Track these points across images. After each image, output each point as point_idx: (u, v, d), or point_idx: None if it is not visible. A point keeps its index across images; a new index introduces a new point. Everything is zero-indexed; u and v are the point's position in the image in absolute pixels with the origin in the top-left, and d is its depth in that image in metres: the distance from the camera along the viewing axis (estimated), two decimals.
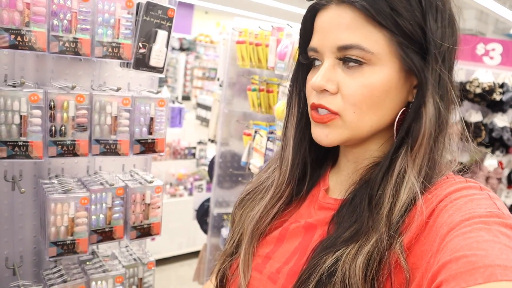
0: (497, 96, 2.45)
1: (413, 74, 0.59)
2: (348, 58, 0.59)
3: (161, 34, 1.32)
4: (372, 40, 0.57)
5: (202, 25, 13.76)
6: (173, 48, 12.20)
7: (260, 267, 0.69)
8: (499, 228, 0.46)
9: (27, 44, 1.10)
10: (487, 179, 2.57)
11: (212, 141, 2.60)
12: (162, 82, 10.54)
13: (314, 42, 0.63)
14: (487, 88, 2.44)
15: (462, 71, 2.81)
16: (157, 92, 1.38)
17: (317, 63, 0.65)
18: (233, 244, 0.76)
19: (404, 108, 0.62)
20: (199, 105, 10.67)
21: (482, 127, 2.52)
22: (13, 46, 1.09)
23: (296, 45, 1.50)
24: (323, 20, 0.61)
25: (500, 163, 2.58)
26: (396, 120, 0.62)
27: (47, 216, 1.23)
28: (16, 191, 1.29)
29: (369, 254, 0.55)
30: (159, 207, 1.46)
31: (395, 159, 0.60)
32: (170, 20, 1.34)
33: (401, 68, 0.59)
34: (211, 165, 2.67)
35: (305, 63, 0.68)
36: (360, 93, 0.59)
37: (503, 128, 2.50)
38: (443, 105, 0.59)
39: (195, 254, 3.93)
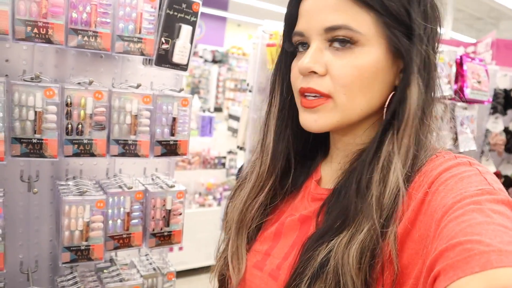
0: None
1: (399, 57, 0.60)
2: (336, 39, 0.59)
3: (185, 29, 1.25)
4: (360, 20, 0.58)
5: (235, 38, 13.88)
6: (206, 60, 12.35)
7: (260, 265, 0.68)
8: (491, 205, 0.46)
9: (44, 37, 1.05)
10: None
11: (241, 148, 2.51)
12: (194, 92, 10.65)
13: (300, 26, 0.63)
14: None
15: (506, 77, 2.61)
16: (180, 90, 1.30)
17: (301, 49, 0.65)
18: (227, 240, 0.75)
19: (393, 93, 0.62)
20: (231, 116, 10.68)
21: None
22: (29, 38, 1.03)
23: None
24: (308, 3, 0.61)
25: None
26: (387, 103, 0.62)
27: (61, 219, 1.16)
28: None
29: (362, 242, 0.54)
30: (180, 214, 1.37)
31: (382, 143, 0.60)
32: (195, 14, 1.27)
33: (388, 50, 0.60)
34: (239, 173, 2.57)
35: (289, 51, 0.67)
36: (350, 74, 0.59)
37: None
38: (427, 86, 0.60)
39: None
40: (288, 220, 0.70)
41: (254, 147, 0.78)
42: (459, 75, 1.90)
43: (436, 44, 0.63)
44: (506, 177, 2.40)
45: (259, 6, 9.31)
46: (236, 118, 10.34)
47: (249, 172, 0.77)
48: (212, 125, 4.70)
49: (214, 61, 12.72)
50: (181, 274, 3.57)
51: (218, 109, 12.25)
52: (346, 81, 0.59)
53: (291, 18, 0.66)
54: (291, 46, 0.67)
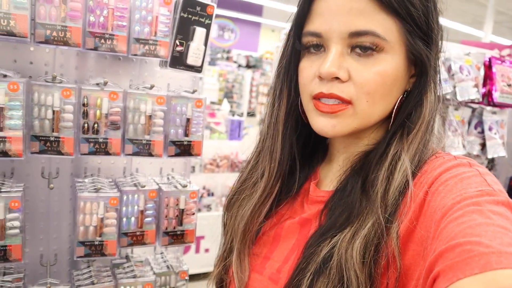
0: None
1: (413, 62, 0.60)
2: (360, 45, 0.57)
3: (199, 32, 1.27)
4: (386, 27, 0.56)
5: (269, 43, 13.93)
6: (240, 65, 12.46)
7: (260, 268, 0.68)
8: (491, 207, 0.46)
9: (62, 40, 1.10)
10: None
11: None
12: (227, 97, 10.75)
13: (317, 26, 0.59)
14: None
15: None
16: (194, 91, 1.32)
17: (313, 50, 0.62)
18: (227, 247, 0.74)
19: (401, 96, 0.62)
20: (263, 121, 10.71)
21: None
22: (48, 41, 1.09)
23: None
24: (329, 3, 0.58)
25: None
26: (396, 107, 0.62)
27: (77, 215, 1.20)
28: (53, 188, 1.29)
29: (366, 237, 0.54)
30: (194, 214, 1.39)
31: (391, 144, 0.60)
32: (210, 17, 1.29)
33: (406, 56, 0.59)
34: None
35: (298, 51, 0.65)
36: (374, 81, 0.58)
37: None
38: (437, 91, 0.61)
39: None
40: (287, 223, 0.69)
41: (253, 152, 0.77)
42: (488, 78, 1.82)
43: (440, 46, 0.63)
44: None
45: (293, 11, 9.33)
46: None
47: (247, 178, 0.75)
48: (241, 129, 4.73)
49: (248, 66, 12.81)
50: (205, 275, 3.60)
51: (251, 114, 12.32)
52: (370, 89, 0.58)
53: (303, 16, 0.62)
54: (301, 46, 0.64)
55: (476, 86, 1.77)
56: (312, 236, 0.61)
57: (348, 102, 0.59)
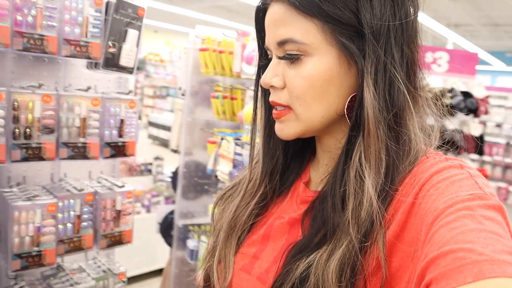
0: (447, 100, 2.60)
1: (352, 59, 0.58)
2: (288, 53, 0.59)
3: (132, 33, 1.29)
4: (303, 31, 0.57)
5: (152, 44, 13.61)
6: None
7: (248, 268, 0.67)
8: (483, 211, 0.46)
9: None
10: None
11: (175, 151, 2.55)
12: None
13: (265, 41, 0.64)
14: (438, 93, 2.59)
15: None
16: (129, 92, 1.34)
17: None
18: (215, 242, 0.74)
19: (353, 94, 0.60)
20: (151, 124, 10.44)
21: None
22: None
23: None
24: (266, 18, 0.62)
25: None
26: (345, 107, 0.60)
27: (9, 226, 1.13)
28: None
29: (341, 259, 0.53)
30: (130, 214, 1.39)
31: (351, 151, 0.58)
32: (141, 19, 1.31)
33: (341, 54, 0.58)
34: (174, 176, 2.60)
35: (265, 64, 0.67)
36: (300, 85, 0.59)
37: (454, 131, 2.66)
38: (388, 89, 0.56)
39: (154, 273, 3.78)
40: (277, 223, 0.68)
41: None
42: None
43: (404, 39, 0.58)
44: None
45: (176, 12, 9.27)
46: (157, 126, 10.13)
47: (240, 177, 0.77)
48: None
49: None
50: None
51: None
52: (298, 93, 0.59)
53: (260, 33, 0.66)
54: (265, 59, 0.67)
55: None
56: (289, 252, 0.60)
57: (289, 108, 0.62)
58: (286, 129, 0.63)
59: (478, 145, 2.78)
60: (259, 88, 0.70)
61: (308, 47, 0.57)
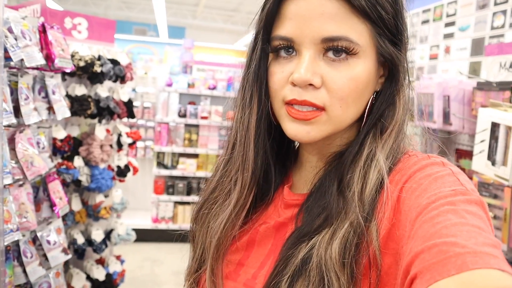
0: (97, 68, 2.60)
1: (382, 64, 0.61)
2: (333, 49, 0.56)
3: None
4: (358, 31, 0.56)
5: None
6: None
7: (233, 275, 0.65)
8: (465, 206, 0.47)
9: None
10: (101, 147, 2.72)
11: None
12: None
13: (288, 31, 0.57)
14: (89, 61, 2.54)
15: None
16: None
17: (284, 54, 0.60)
18: (197, 260, 0.71)
19: (372, 97, 0.62)
20: None
21: (90, 99, 2.62)
22: None
23: None
24: (300, 7, 0.56)
25: (107, 130, 2.79)
26: (367, 107, 0.62)
27: None
28: None
29: (345, 237, 0.53)
30: None
31: (364, 143, 0.60)
32: None
33: (377, 59, 0.59)
34: None
35: (267, 54, 0.62)
36: (347, 87, 0.57)
37: (107, 98, 2.70)
38: (409, 91, 0.63)
39: None
40: (262, 228, 0.66)
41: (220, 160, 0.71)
42: (45, 43, 1.85)
43: (407, 45, 0.63)
44: (74, 138, 2.59)
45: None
46: None
47: (216, 188, 0.70)
48: None
49: None
50: None
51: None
52: (343, 94, 0.57)
53: (271, 19, 0.59)
54: (270, 49, 0.60)
55: (41, 51, 1.76)
56: (289, 238, 0.59)
57: (321, 109, 0.58)
58: (313, 132, 0.59)
59: (129, 109, 2.97)
60: (256, 81, 0.63)
61: (360, 49, 0.56)
